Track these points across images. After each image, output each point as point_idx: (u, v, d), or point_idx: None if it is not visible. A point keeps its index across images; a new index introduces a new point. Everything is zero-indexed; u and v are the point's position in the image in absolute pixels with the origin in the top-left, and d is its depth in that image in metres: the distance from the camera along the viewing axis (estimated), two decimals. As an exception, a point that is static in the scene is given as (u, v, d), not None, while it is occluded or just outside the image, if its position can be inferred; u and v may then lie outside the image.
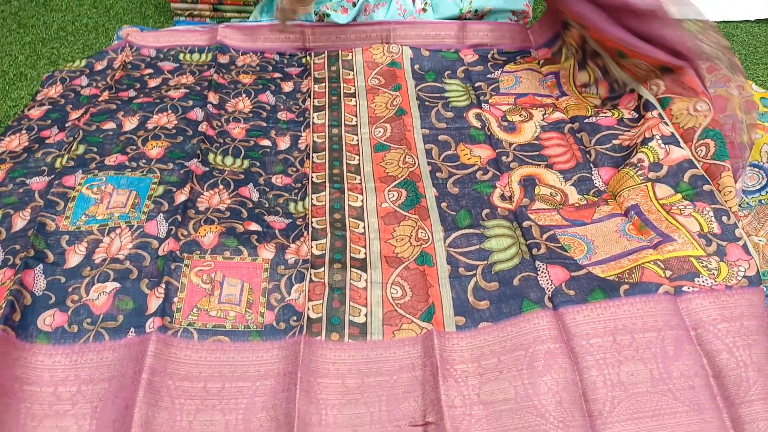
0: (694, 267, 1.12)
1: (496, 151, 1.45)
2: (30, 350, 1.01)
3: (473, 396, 0.99)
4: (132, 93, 1.62)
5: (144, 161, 1.37)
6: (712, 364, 1.00)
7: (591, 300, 1.08)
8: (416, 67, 1.76)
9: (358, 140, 1.52)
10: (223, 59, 1.78)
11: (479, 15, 1.92)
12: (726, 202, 1.22)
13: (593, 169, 1.39)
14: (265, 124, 1.57)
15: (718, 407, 0.96)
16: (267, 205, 1.34)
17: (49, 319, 1.05)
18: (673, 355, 1.00)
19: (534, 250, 1.19)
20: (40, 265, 1.12)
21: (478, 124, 1.55)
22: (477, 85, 1.67)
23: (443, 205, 1.34)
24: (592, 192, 1.34)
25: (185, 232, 1.21)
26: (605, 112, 1.50)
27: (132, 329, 1.05)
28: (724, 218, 1.19)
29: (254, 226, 1.26)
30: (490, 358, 1.03)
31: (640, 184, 1.27)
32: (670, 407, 0.96)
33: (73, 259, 1.15)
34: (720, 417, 0.95)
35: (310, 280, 1.15)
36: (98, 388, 0.98)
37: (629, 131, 1.43)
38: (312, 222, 1.28)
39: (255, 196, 1.35)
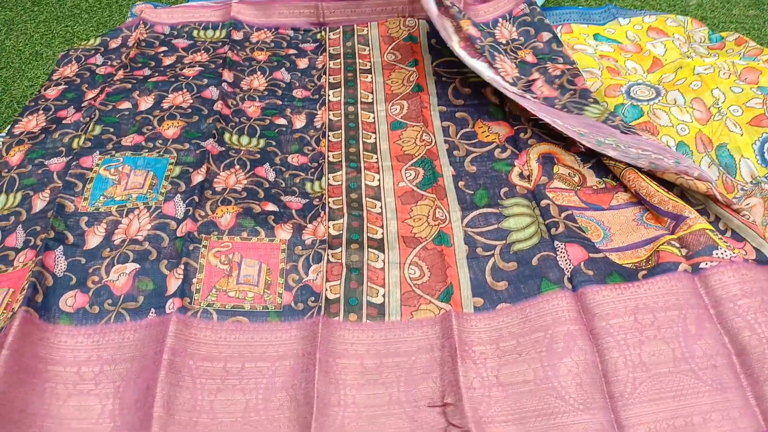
0: (711, 239, 1.09)
1: (514, 128, 1.43)
2: (53, 331, 1.02)
3: (492, 378, 0.98)
4: (147, 71, 1.61)
5: (160, 141, 1.37)
6: (734, 341, 0.99)
7: (610, 282, 1.06)
8: (433, 41, 1.72)
9: (374, 118, 1.50)
10: (237, 36, 1.76)
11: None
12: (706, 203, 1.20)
13: None
14: (280, 102, 1.55)
15: (742, 386, 0.95)
16: (283, 185, 1.33)
17: (70, 300, 1.06)
18: (695, 333, 0.99)
19: (552, 230, 1.17)
20: (61, 247, 1.13)
21: (496, 100, 1.51)
22: None
23: (461, 184, 1.32)
24: (610, 176, 1.31)
25: (203, 213, 1.21)
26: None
27: (152, 310, 1.06)
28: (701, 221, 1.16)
29: (271, 207, 1.26)
30: (509, 339, 1.03)
31: (626, 168, 1.24)
32: (692, 387, 0.95)
33: (93, 240, 1.16)
34: (744, 395, 0.94)
35: (328, 261, 1.15)
36: (120, 369, 1.00)
37: None
38: (329, 202, 1.27)
39: (271, 175, 1.35)
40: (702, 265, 1.06)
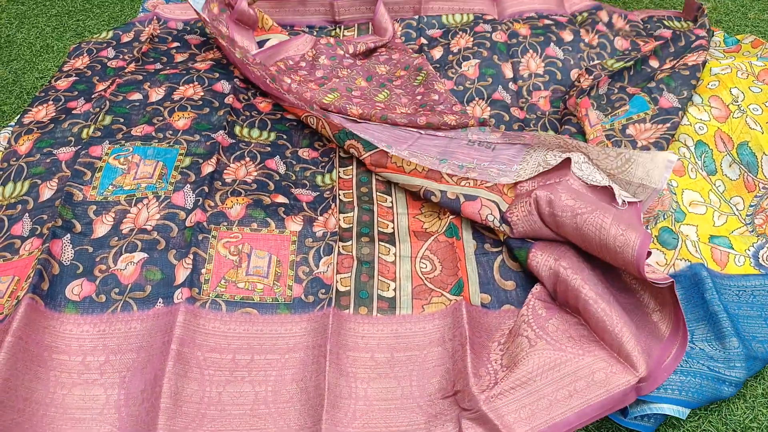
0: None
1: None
2: (58, 319, 1.00)
3: (496, 366, 0.96)
4: (158, 66, 1.59)
5: (170, 132, 1.35)
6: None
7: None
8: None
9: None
10: (250, 32, 1.75)
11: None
12: None
13: None
14: (291, 97, 1.53)
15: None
16: (294, 178, 1.31)
17: (77, 289, 1.04)
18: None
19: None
20: (68, 235, 1.11)
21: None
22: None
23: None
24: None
25: (212, 204, 1.19)
26: None
27: (160, 300, 1.04)
28: None
29: (281, 199, 1.24)
30: (507, 337, 1.01)
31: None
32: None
33: (101, 229, 1.14)
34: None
35: (338, 253, 1.13)
36: (126, 359, 0.97)
37: None
38: (339, 195, 1.25)
39: (282, 168, 1.33)
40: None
